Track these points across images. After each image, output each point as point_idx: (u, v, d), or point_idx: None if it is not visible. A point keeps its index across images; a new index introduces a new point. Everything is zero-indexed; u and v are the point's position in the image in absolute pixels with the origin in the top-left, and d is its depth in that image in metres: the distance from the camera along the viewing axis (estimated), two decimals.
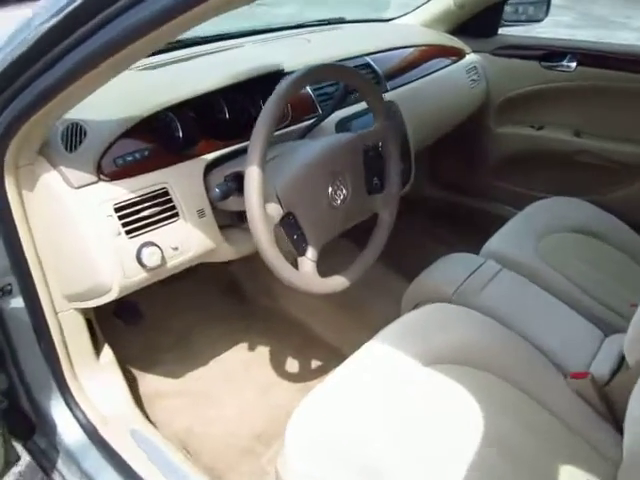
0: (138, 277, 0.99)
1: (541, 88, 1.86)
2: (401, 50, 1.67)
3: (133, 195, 0.97)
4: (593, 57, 1.77)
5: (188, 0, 0.57)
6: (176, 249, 1.02)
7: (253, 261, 1.11)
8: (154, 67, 1.23)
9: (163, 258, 1.00)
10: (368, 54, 1.51)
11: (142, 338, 1.54)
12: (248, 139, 1.12)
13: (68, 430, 1.16)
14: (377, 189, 1.14)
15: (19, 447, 1.20)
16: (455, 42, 1.90)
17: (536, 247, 1.37)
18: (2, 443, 1.06)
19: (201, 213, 1.04)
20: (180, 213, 1.02)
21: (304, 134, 1.21)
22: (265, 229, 0.88)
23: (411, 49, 1.71)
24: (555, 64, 1.81)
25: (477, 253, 1.39)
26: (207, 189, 1.05)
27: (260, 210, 0.86)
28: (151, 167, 1.01)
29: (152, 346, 1.52)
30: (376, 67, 1.49)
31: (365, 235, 1.20)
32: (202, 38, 1.52)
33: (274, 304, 1.68)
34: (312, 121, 1.22)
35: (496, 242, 1.41)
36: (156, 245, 0.98)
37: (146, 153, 1.00)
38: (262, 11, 5.36)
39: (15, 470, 1.22)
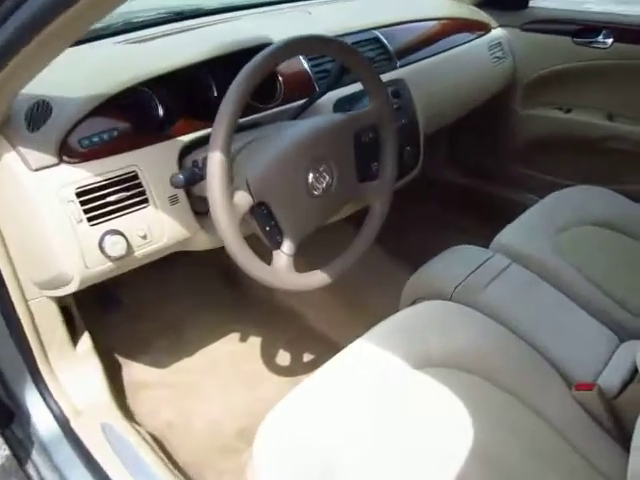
0: (102, 267, 0.92)
1: (572, 67, 1.70)
2: (417, 24, 1.54)
3: (98, 179, 0.89)
4: (632, 33, 1.60)
5: None
6: (145, 237, 0.95)
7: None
8: (139, 41, 1.14)
9: (130, 247, 0.92)
10: (377, 28, 1.39)
11: (130, 325, 1.49)
12: None
13: (42, 421, 1.12)
14: (370, 177, 1.04)
15: None
16: (480, 15, 1.75)
17: (553, 240, 1.24)
18: None
19: (174, 199, 0.96)
20: (150, 199, 0.94)
21: (296, 115, 1.11)
22: (228, 219, 0.79)
23: (429, 23, 1.58)
24: (589, 40, 1.65)
25: None
26: None
27: (222, 198, 0.78)
28: (120, 149, 0.93)
29: (140, 334, 1.47)
30: (386, 42, 1.37)
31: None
32: (200, 10, 1.43)
33: (269, 293, 1.60)
34: (304, 101, 1.11)
35: (509, 234, 1.29)
36: (121, 233, 0.91)
37: (115, 134, 0.92)
38: None
39: None
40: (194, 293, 1.59)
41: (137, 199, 0.93)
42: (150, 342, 1.46)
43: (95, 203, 0.89)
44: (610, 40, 1.62)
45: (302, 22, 1.41)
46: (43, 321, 1.08)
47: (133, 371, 1.40)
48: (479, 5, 1.79)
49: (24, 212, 0.89)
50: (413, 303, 1.19)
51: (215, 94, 1.06)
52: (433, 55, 1.50)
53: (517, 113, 1.85)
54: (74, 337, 1.19)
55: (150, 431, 1.24)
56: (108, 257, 0.91)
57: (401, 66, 1.38)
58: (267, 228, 0.88)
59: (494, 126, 1.92)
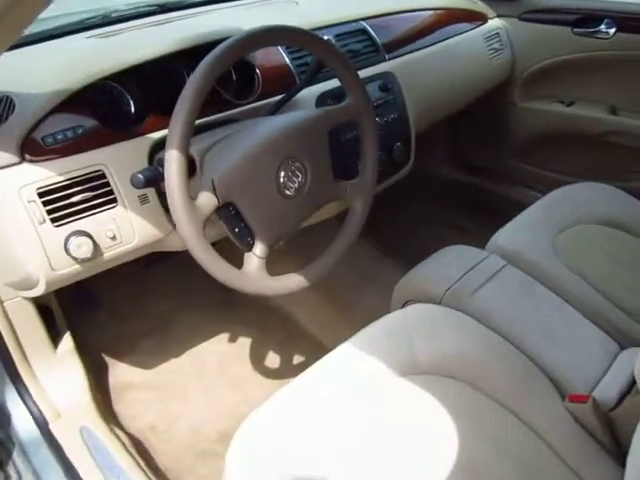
0: (68, 270, 0.89)
1: (573, 58, 1.64)
2: (409, 14, 1.49)
3: (61, 178, 0.86)
4: (636, 22, 1.53)
5: None
6: (114, 238, 0.91)
7: None
8: (110, 35, 1.11)
9: (97, 249, 0.89)
10: (365, 19, 1.34)
11: (118, 325, 1.47)
12: (206, 115, 1.02)
13: (21, 422, 1.11)
14: (349, 175, 1.00)
15: None
16: (476, 5, 1.69)
17: (553, 240, 1.19)
18: None
19: (144, 199, 0.93)
20: (119, 199, 0.91)
21: (275, 110, 1.07)
22: (189, 221, 0.76)
23: (422, 13, 1.53)
24: (590, 30, 1.59)
25: None
26: None
27: (182, 199, 0.74)
28: (86, 146, 0.89)
29: (127, 333, 1.45)
30: (373, 34, 1.32)
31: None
32: (184, 2, 1.40)
33: None
34: (282, 96, 1.07)
35: (506, 233, 1.23)
36: (88, 234, 0.88)
37: (80, 131, 0.89)
38: None
39: None
40: (183, 292, 1.56)
41: (104, 199, 0.90)
42: (137, 342, 1.44)
43: (59, 203, 0.86)
44: (612, 30, 1.55)
45: (287, 13, 1.37)
46: (20, 322, 1.07)
47: (118, 371, 1.38)
48: None
49: None
50: (404, 306, 1.15)
51: None
52: (425, 47, 1.45)
53: (516, 106, 1.80)
54: (55, 337, 1.17)
55: (132, 433, 1.22)
56: (74, 259, 0.88)
57: (390, 59, 1.34)
58: (236, 230, 0.84)
59: (493, 120, 1.87)
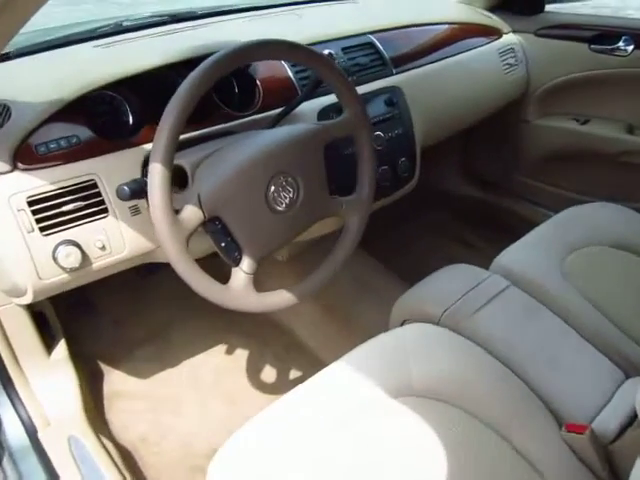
0: (56, 279, 0.89)
1: (589, 75, 1.60)
2: (420, 28, 1.47)
3: (52, 187, 0.86)
4: None
5: None
6: (104, 249, 0.91)
7: None
8: (110, 44, 1.12)
9: (86, 259, 0.89)
10: (372, 32, 1.32)
11: (115, 331, 1.47)
12: (205, 127, 1.01)
13: (11, 428, 1.11)
14: (345, 191, 0.98)
15: None
16: (491, 20, 1.67)
17: (561, 262, 1.15)
18: None
19: (135, 210, 0.92)
20: (109, 209, 0.90)
21: (274, 123, 1.06)
22: (171, 235, 0.74)
23: (434, 27, 1.51)
24: (608, 47, 1.55)
25: None
26: None
27: (164, 213, 0.73)
28: (80, 156, 0.89)
29: (125, 340, 1.45)
30: (380, 47, 1.30)
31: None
32: (193, 13, 1.40)
33: None
34: (281, 110, 1.06)
35: (512, 253, 1.20)
36: (77, 244, 0.87)
37: (74, 140, 0.89)
38: None
39: None
40: (183, 300, 1.55)
41: (95, 209, 0.89)
42: (133, 349, 1.44)
43: (49, 212, 0.86)
44: (631, 47, 1.52)
45: (293, 25, 1.35)
46: (13, 328, 1.07)
47: (113, 379, 1.37)
48: (492, 9, 1.71)
49: None
50: (402, 324, 1.12)
51: None
52: (435, 61, 1.43)
53: (530, 123, 1.76)
54: (49, 344, 1.17)
55: (122, 445, 1.21)
56: (62, 268, 0.87)
57: (397, 73, 1.32)
58: (222, 244, 0.83)
59: (506, 136, 1.84)
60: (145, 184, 0.79)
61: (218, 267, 0.93)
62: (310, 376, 0.88)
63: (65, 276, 0.89)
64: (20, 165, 0.85)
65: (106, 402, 1.31)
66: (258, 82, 1.08)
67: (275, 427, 0.82)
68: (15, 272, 0.87)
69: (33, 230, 0.84)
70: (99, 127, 0.92)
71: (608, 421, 0.85)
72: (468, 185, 2.02)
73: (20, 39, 1.18)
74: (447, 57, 1.46)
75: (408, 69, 1.35)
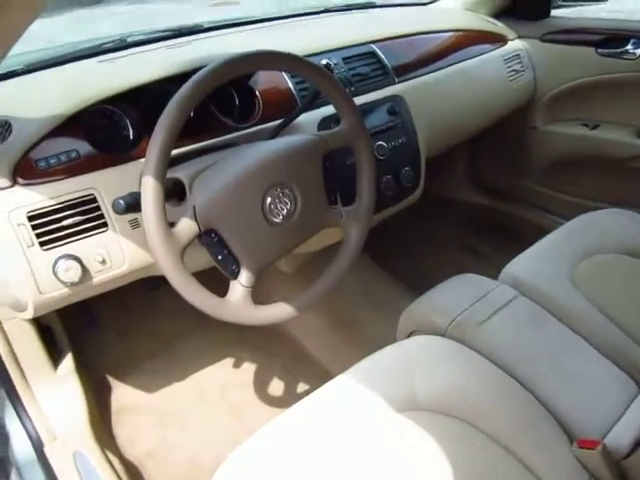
0: (57, 293, 0.89)
1: (597, 79, 1.58)
2: (424, 37, 1.46)
3: (52, 202, 0.86)
4: None
5: None
6: (104, 263, 0.91)
7: None
8: (113, 59, 1.13)
9: (86, 273, 0.89)
10: (375, 41, 1.32)
11: (123, 345, 1.47)
12: (205, 139, 1.02)
13: (19, 443, 1.11)
14: (348, 201, 0.97)
15: None
16: (496, 27, 1.66)
17: (572, 270, 1.12)
18: None
19: (135, 223, 0.92)
20: (109, 223, 0.90)
21: (274, 135, 1.06)
22: (165, 249, 0.74)
23: (437, 35, 1.50)
24: (616, 50, 1.53)
25: None
26: None
27: (157, 226, 0.73)
28: (80, 170, 0.89)
29: (132, 354, 1.45)
30: (382, 56, 1.30)
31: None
32: (198, 27, 1.41)
33: None
34: (280, 121, 1.06)
35: (521, 262, 1.17)
36: (77, 258, 0.87)
37: (74, 154, 0.89)
38: None
39: None
40: (190, 313, 1.55)
41: (95, 223, 0.89)
42: (141, 363, 1.43)
43: (49, 227, 0.86)
44: (639, 50, 1.49)
45: (296, 36, 1.36)
46: (20, 342, 1.07)
47: (120, 393, 1.37)
48: (497, 16, 1.70)
49: None
50: (409, 336, 1.10)
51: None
52: (439, 70, 1.42)
53: (538, 129, 1.74)
54: (56, 358, 1.18)
55: (128, 460, 1.21)
56: (63, 283, 0.87)
57: (400, 82, 1.31)
58: (219, 257, 0.82)
59: (514, 143, 1.81)
60: (140, 198, 0.79)
61: (219, 280, 0.92)
62: (317, 389, 0.87)
63: (65, 290, 0.89)
64: (20, 180, 0.86)
65: (113, 416, 1.30)
66: (258, 93, 1.08)
67: (280, 440, 0.80)
68: (15, 287, 0.87)
69: (33, 245, 0.85)
70: (99, 141, 0.93)
71: (621, 436, 0.83)
72: (476, 193, 2.00)
73: (29, 57, 1.20)
74: (451, 65, 1.45)
75: (411, 78, 1.34)
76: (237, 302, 0.84)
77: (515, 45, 1.66)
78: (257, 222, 0.84)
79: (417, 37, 1.44)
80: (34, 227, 0.85)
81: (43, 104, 0.92)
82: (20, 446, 1.10)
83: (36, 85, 1.07)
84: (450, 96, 1.42)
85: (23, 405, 1.11)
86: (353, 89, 1.21)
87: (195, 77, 0.77)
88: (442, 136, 1.41)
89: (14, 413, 1.11)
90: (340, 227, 0.98)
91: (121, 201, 0.79)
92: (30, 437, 1.10)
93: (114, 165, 0.92)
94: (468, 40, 1.55)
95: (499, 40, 1.63)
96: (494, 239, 1.80)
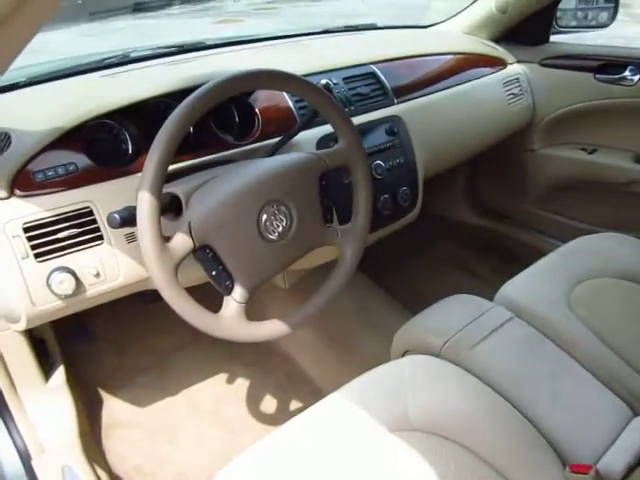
0: (50, 305, 0.89)
1: (595, 105, 1.60)
2: (424, 59, 1.48)
3: (48, 214, 0.86)
4: None
5: None
6: (98, 276, 0.91)
7: None
8: (123, 73, 1.14)
9: (80, 285, 0.89)
10: (375, 62, 1.33)
11: (118, 359, 1.46)
12: (203, 155, 1.02)
13: (6, 455, 1.10)
14: (345, 220, 0.98)
15: None
16: (495, 51, 1.68)
17: (567, 293, 1.12)
18: None
19: (130, 237, 0.92)
20: (105, 236, 0.91)
21: (272, 152, 1.06)
22: (160, 264, 0.74)
23: (437, 58, 1.52)
24: (613, 77, 1.55)
25: None
26: None
27: (152, 241, 0.73)
28: (77, 183, 0.90)
29: (126, 368, 1.44)
30: (382, 77, 1.31)
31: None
32: (201, 44, 1.43)
33: None
34: (279, 139, 1.07)
35: (517, 283, 1.18)
36: (71, 271, 0.87)
37: (72, 167, 0.90)
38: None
39: None
40: (185, 329, 1.54)
41: (90, 236, 0.90)
42: (134, 377, 1.43)
43: (44, 239, 0.86)
44: (637, 77, 1.52)
45: (295, 55, 1.37)
46: (11, 353, 1.07)
47: (111, 407, 1.36)
48: (496, 40, 1.72)
49: None
50: (403, 355, 1.10)
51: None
52: (438, 91, 1.43)
53: (536, 152, 1.75)
54: (48, 370, 1.17)
55: (117, 474, 1.20)
56: (56, 295, 0.87)
57: (399, 102, 1.32)
58: (213, 272, 0.82)
59: (512, 166, 1.83)
60: (135, 212, 0.80)
61: (212, 296, 0.92)
62: (310, 406, 0.87)
63: (59, 303, 0.89)
64: (17, 192, 0.86)
65: (103, 430, 1.29)
66: (257, 111, 1.09)
67: (271, 457, 0.80)
68: (9, 298, 0.87)
69: (28, 256, 0.85)
70: (98, 155, 0.93)
71: (615, 461, 0.82)
72: (473, 214, 2.01)
73: (32, 70, 1.22)
74: (450, 87, 1.47)
75: (410, 99, 1.35)
76: (230, 318, 0.84)
77: (514, 69, 1.68)
78: (252, 239, 0.84)
79: (417, 59, 1.46)
80: (29, 239, 0.85)
81: (43, 117, 0.93)
82: (8, 459, 1.09)
83: (37, 98, 1.08)
84: (449, 118, 1.44)
85: (12, 417, 1.10)
86: (353, 109, 1.22)
87: (195, 94, 0.78)
88: (440, 157, 1.42)
89: (2, 425, 1.10)
90: (335, 245, 0.98)
91: (116, 215, 0.79)
92: (18, 449, 1.09)
93: (112, 179, 0.93)
94: (468, 63, 1.57)
95: (498, 64, 1.65)
96: (490, 260, 1.80)
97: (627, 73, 1.53)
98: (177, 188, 0.85)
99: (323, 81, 1.14)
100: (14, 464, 1.08)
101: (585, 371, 0.98)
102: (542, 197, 1.80)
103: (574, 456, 0.84)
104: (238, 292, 0.84)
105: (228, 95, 0.82)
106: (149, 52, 1.36)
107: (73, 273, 0.88)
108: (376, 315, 1.57)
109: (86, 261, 0.89)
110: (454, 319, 1.08)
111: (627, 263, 1.19)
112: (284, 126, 1.10)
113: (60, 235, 0.87)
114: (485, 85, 1.57)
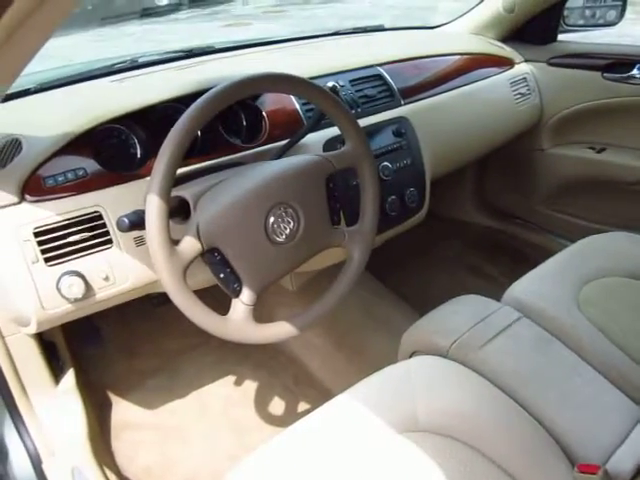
0: (60, 309, 0.90)
1: (603, 103, 1.59)
2: (430, 60, 1.48)
3: (58, 218, 0.87)
4: None
5: None
6: (107, 279, 0.92)
7: None
8: (132, 78, 1.15)
9: (89, 289, 0.90)
10: (382, 64, 1.33)
11: (127, 362, 1.47)
12: (212, 159, 1.03)
13: (17, 458, 1.11)
14: (353, 222, 0.98)
15: None
16: (503, 50, 1.67)
17: (576, 293, 1.11)
18: None
19: (139, 241, 0.93)
20: (114, 240, 0.92)
21: (280, 155, 1.07)
22: (168, 266, 0.75)
23: (444, 59, 1.52)
24: (621, 75, 1.54)
25: None
26: None
27: (160, 244, 0.74)
28: (86, 188, 0.91)
29: (136, 370, 1.45)
30: (389, 78, 1.32)
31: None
32: (210, 48, 1.44)
33: None
34: (286, 142, 1.07)
35: (525, 283, 1.17)
36: (80, 275, 0.88)
37: (81, 172, 0.91)
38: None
39: None
40: (195, 331, 1.55)
41: (100, 240, 0.90)
42: (144, 379, 1.43)
43: (54, 243, 0.87)
44: None
45: (303, 58, 1.38)
46: (21, 357, 1.07)
47: (122, 409, 1.37)
48: (504, 40, 1.72)
49: None
50: (411, 356, 1.10)
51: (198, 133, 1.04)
52: (445, 92, 1.43)
53: (544, 152, 1.74)
54: (58, 374, 1.18)
55: (126, 476, 1.20)
56: (66, 299, 0.88)
57: (406, 104, 1.32)
58: (221, 275, 0.83)
59: (520, 166, 1.82)
60: (142, 218, 0.80)
61: (221, 298, 0.93)
62: (318, 408, 0.87)
63: (69, 306, 0.90)
64: (28, 197, 0.87)
65: (113, 432, 1.30)
66: (265, 114, 1.10)
67: (279, 458, 0.80)
68: (19, 302, 0.88)
69: (38, 261, 0.86)
70: (107, 160, 0.94)
71: (623, 461, 0.82)
72: (481, 214, 2.01)
73: (43, 76, 1.23)
74: (457, 88, 1.47)
75: (417, 100, 1.35)
76: (238, 320, 0.84)
77: (522, 68, 1.68)
78: (260, 241, 0.85)
79: (424, 60, 1.46)
80: (40, 243, 0.86)
81: (53, 123, 0.94)
82: (19, 462, 1.10)
83: (47, 104, 1.10)
84: (456, 118, 1.44)
85: (23, 420, 1.10)
86: (360, 110, 1.23)
87: (203, 97, 0.78)
88: (447, 158, 1.42)
89: (14, 429, 1.11)
90: (343, 247, 0.98)
91: (125, 219, 0.80)
92: (29, 453, 1.10)
93: (121, 183, 0.94)
94: (475, 63, 1.57)
95: (506, 63, 1.65)
96: (498, 260, 1.79)
97: (635, 71, 1.53)
98: (185, 191, 0.86)
99: (330, 84, 1.14)
100: (25, 468, 1.09)
101: (594, 371, 0.97)
102: (550, 197, 1.80)
103: (583, 456, 0.84)
104: (246, 294, 0.85)
105: (235, 99, 0.82)
106: (157, 57, 1.38)
107: (83, 277, 0.89)
108: (384, 316, 1.57)
109: (95, 265, 0.90)
110: (462, 319, 1.07)
111: (637, 262, 1.18)
112: (291, 129, 1.11)
113: (70, 239, 0.88)
114: (492, 85, 1.56)
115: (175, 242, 0.78)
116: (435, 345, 1.04)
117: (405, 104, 1.32)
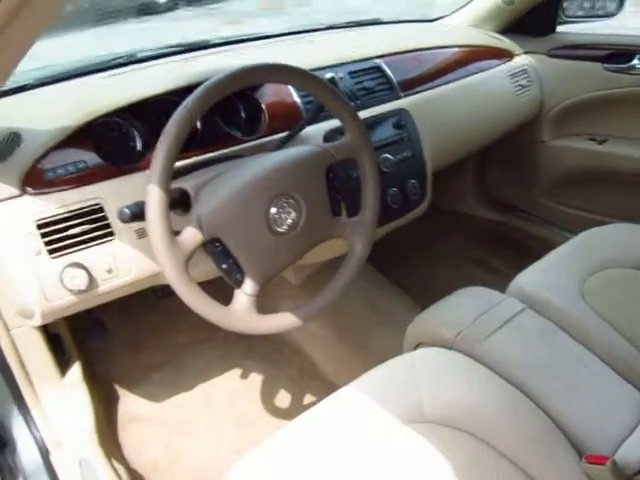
0: (63, 301, 0.90)
1: (604, 94, 1.59)
2: (430, 52, 1.48)
3: (60, 211, 0.88)
4: None
5: None
6: (110, 271, 0.92)
7: None
8: (129, 72, 1.15)
9: (92, 281, 0.90)
10: (380, 56, 1.33)
11: (133, 355, 1.47)
12: (212, 151, 1.03)
13: (25, 450, 1.11)
14: (349, 214, 0.98)
15: None
16: (502, 42, 1.67)
17: (581, 284, 1.11)
18: None
19: (141, 233, 0.94)
20: (116, 232, 0.92)
21: (280, 147, 1.07)
22: (170, 256, 0.75)
23: (443, 51, 1.51)
24: (622, 66, 1.53)
25: None
26: None
27: (161, 234, 0.74)
28: (87, 180, 0.91)
29: (141, 364, 1.45)
30: (388, 71, 1.32)
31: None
32: (206, 43, 1.44)
33: None
34: (286, 134, 1.07)
35: (529, 275, 1.16)
36: (83, 266, 0.89)
37: (82, 165, 0.91)
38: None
39: None
40: (200, 324, 1.56)
41: (102, 232, 0.91)
42: (149, 373, 1.44)
43: (57, 235, 0.88)
44: None
45: (301, 51, 1.38)
46: (27, 349, 1.07)
47: (128, 402, 1.37)
48: (503, 32, 1.72)
49: None
50: (416, 348, 1.10)
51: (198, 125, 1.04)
52: (445, 84, 1.43)
53: (546, 144, 1.74)
54: (64, 366, 1.18)
55: (134, 469, 1.21)
56: (69, 290, 0.89)
57: (406, 96, 1.32)
58: (224, 266, 0.83)
59: (522, 158, 1.82)
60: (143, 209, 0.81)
61: (223, 289, 0.93)
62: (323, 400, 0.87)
63: (72, 298, 0.91)
64: (29, 190, 0.88)
65: (120, 425, 1.31)
66: (264, 106, 1.10)
67: (285, 450, 0.80)
68: (23, 294, 0.89)
69: (40, 253, 0.86)
70: (107, 153, 0.95)
71: (632, 452, 0.81)
72: (483, 206, 2.01)
73: (40, 72, 1.23)
74: (457, 80, 1.47)
75: (416, 92, 1.35)
76: (241, 310, 0.84)
77: (521, 60, 1.68)
78: (261, 231, 0.85)
79: (423, 52, 1.46)
80: (42, 235, 0.87)
81: (53, 116, 0.94)
82: (27, 453, 1.10)
83: (46, 98, 1.10)
84: (456, 110, 1.44)
85: (30, 412, 1.11)
86: (359, 102, 1.23)
87: (201, 88, 0.78)
88: (448, 150, 1.42)
89: (22, 420, 1.12)
90: (344, 238, 0.98)
91: (126, 210, 0.80)
92: (37, 444, 1.10)
93: (121, 176, 0.94)
94: (474, 55, 1.56)
95: (505, 55, 1.64)
96: (501, 252, 1.79)
97: (636, 62, 1.52)
98: (186, 183, 0.86)
99: (328, 75, 1.14)
100: (33, 459, 1.10)
101: (600, 362, 0.97)
102: (552, 189, 1.79)
103: (590, 447, 0.83)
104: (248, 285, 0.85)
105: (233, 89, 0.82)
106: (154, 52, 1.38)
107: (85, 269, 0.89)
108: (387, 308, 1.57)
109: (98, 257, 0.91)
110: (466, 311, 1.07)
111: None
112: (291, 121, 1.11)
113: (72, 232, 0.89)
114: (492, 77, 1.56)
115: (176, 233, 0.79)
116: (440, 337, 1.04)
117: (405, 96, 1.32)
